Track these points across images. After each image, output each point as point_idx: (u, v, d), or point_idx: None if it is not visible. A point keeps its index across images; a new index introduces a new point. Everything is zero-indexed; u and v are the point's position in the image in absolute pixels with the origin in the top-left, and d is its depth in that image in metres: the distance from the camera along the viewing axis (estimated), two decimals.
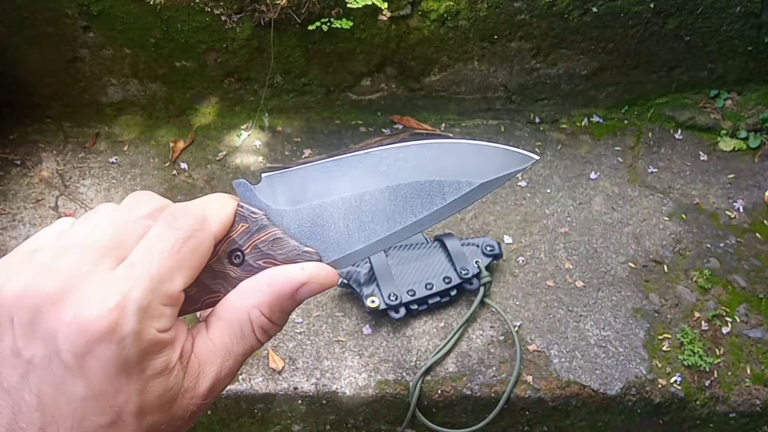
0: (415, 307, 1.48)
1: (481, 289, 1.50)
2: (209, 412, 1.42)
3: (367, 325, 1.49)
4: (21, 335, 0.31)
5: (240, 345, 0.36)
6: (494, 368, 1.43)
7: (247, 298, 0.36)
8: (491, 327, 1.50)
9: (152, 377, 0.32)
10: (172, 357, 0.33)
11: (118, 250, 0.33)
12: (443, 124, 1.99)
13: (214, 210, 0.37)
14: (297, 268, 0.37)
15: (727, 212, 1.77)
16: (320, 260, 0.39)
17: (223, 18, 1.77)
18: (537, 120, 2.01)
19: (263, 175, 0.41)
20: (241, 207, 0.39)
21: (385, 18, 1.78)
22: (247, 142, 1.93)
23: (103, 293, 0.31)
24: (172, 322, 0.33)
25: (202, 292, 0.38)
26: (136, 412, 0.32)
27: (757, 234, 1.71)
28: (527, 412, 1.44)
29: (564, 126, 2.01)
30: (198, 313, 0.39)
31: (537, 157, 0.41)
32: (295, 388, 1.39)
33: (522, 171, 0.41)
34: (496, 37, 1.86)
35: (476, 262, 1.52)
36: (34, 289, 0.31)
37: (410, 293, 1.47)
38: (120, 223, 0.34)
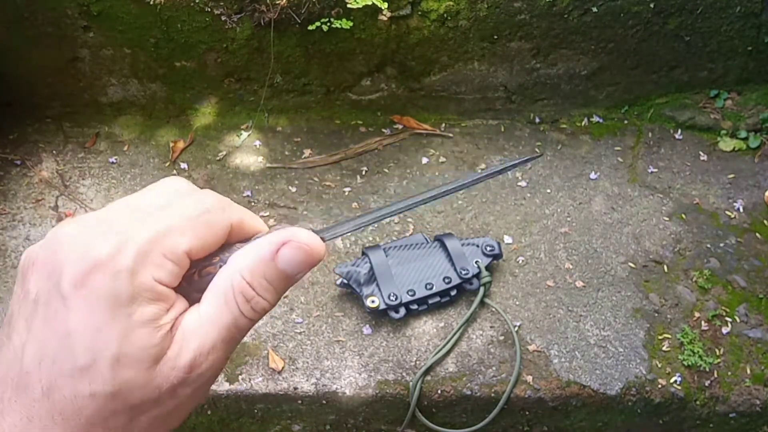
0: (415, 307, 1.48)
1: (481, 289, 1.50)
2: (209, 412, 1.42)
3: (367, 325, 1.49)
4: (33, 277, 0.34)
5: (224, 315, 0.35)
6: (494, 368, 1.43)
7: (232, 265, 0.36)
8: (491, 327, 1.50)
9: (138, 324, 0.32)
10: (163, 314, 0.33)
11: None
12: (443, 124, 1.99)
13: (245, 214, 0.38)
14: (277, 230, 0.37)
15: (727, 212, 1.77)
16: None
17: (223, 18, 1.77)
18: (537, 120, 2.01)
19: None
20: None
21: (385, 18, 1.78)
22: (247, 142, 1.93)
23: (108, 233, 0.32)
24: (171, 278, 0.34)
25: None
26: (113, 359, 0.31)
27: (757, 234, 1.71)
28: (527, 412, 1.44)
29: (564, 126, 2.01)
30: None
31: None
32: (295, 388, 1.39)
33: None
34: (496, 37, 1.86)
35: (476, 262, 1.52)
36: (56, 237, 0.34)
37: (410, 293, 1.47)
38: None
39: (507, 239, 1.68)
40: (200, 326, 0.34)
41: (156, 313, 0.33)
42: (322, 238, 0.39)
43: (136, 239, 0.32)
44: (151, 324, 0.32)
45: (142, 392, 0.32)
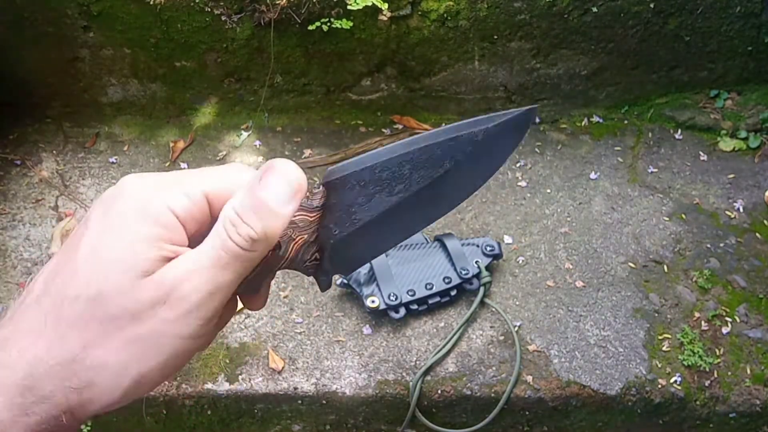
0: (415, 307, 1.48)
1: (481, 289, 1.50)
2: (209, 412, 1.42)
3: (367, 325, 1.49)
4: (92, 210, 0.37)
5: (214, 241, 0.36)
6: (494, 368, 1.43)
7: (228, 202, 0.38)
8: (491, 327, 1.50)
9: (138, 239, 0.35)
10: (165, 238, 0.36)
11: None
12: (443, 124, 1.99)
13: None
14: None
15: (727, 212, 1.77)
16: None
17: (223, 18, 1.77)
18: (537, 120, 2.01)
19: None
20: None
21: (385, 18, 1.78)
22: (247, 142, 1.93)
23: (146, 176, 0.37)
24: (183, 211, 0.36)
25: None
26: (106, 263, 0.34)
27: (757, 234, 1.71)
28: (527, 412, 1.44)
29: (564, 126, 2.01)
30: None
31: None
32: (295, 388, 1.39)
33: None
34: (496, 37, 1.86)
35: (476, 262, 1.52)
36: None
37: (410, 293, 1.47)
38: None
39: (507, 239, 1.68)
40: (191, 253, 0.36)
41: (158, 234, 0.35)
42: (330, 181, 0.40)
43: (162, 177, 0.37)
44: (150, 242, 0.35)
45: (122, 300, 0.34)
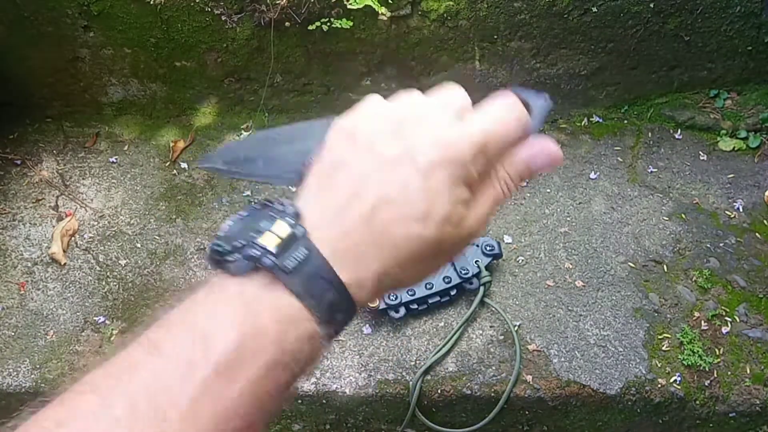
0: (414, 306, 1.48)
1: (481, 288, 1.51)
2: None
3: (367, 325, 1.49)
4: (383, 140, 0.42)
5: (493, 191, 0.44)
6: (494, 368, 1.43)
7: (505, 159, 0.46)
8: (491, 327, 1.50)
9: (461, 202, 0.42)
10: (469, 195, 0.43)
11: (454, 109, 0.46)
12: None
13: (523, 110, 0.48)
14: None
15: (727, 212, 1.77)
16: None
17: (223, 18, 1.77)
18: None
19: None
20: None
21: (385, 18, 1.78)
22: None
23: (456, 132, 0.42)
24: (485, 170, 0.43)
25: None
26: (443, 217, 0.40)
27: (757, 234, 1.71)
28: (527, 412, 1.44)
29: (564, 126, 2.01)
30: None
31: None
32: (295, 388, 1.39)
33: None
34: (496, 37, 1.86)
35: (476, 261, 1.52)
36: (404, 114, 0.45)
37: (410, 293, 1.47)
38: (451, 95, 0.49)
39: (507, 239, 1.68)
40: (478, 203, 0.43)
41: (469, 195, 0.42)
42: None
43: (475, 139, 0.42)
44: (466, 202, 0.42)
45: (449, 245, 0.41)
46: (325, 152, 0.43)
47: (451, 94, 0.48)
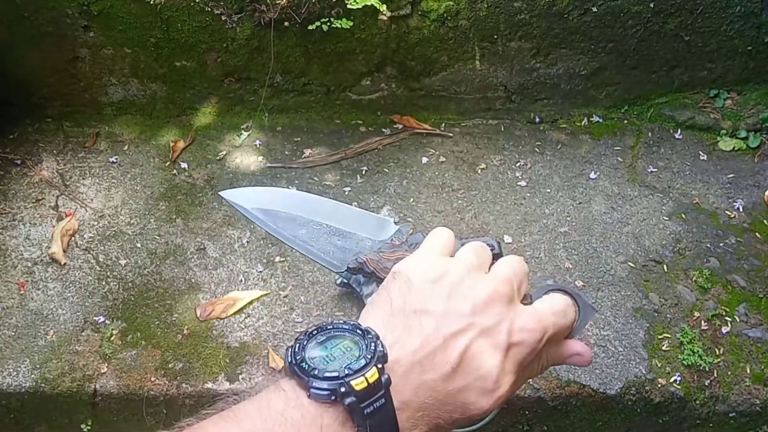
0: None
1: None
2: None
3: None
4: (474, 306, 0.45)
5: (531, 372, 0.50)
6: None
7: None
8: None
9: (521, 383, 0.48)
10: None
11: (522, 289, 0.50)
12: (443, 124, 2.00)
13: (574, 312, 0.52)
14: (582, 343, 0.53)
15: (727, 212, 1.77)
16: None
17: (223, 18, 1.77)
18: (537, 120, 2.01)
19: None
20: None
21: (385, 18, 1.78)
22: (247, 142, 1.93)
23: (535, 316, 0.47)
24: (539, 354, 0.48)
25: None
26: (504, 395, 0.44)
27: (757, 234, 1.71)
28: (527, 412, 1.44)
29: (564, 126, 2.01)
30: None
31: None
32: None
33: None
34: (496, 37, 1.86)
35: None
36: (495, 287, 0.47)
37: None
38: (518, 271, 0.50)
39: (507, 239, 1.68)
40: (518, 378, 0.47)
41: (535, 369, 0.49)
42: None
43: (548, 327, 0.47)
44: (529, 372, 0.48)
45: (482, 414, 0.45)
46: (412, 288, 0.46)
47: (520, 271, 0.50)
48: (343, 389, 0.39)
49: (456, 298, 0.45)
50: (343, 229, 0.49)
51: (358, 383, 0.39)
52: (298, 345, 0.42)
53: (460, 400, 0.42)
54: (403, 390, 0.41)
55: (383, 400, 0.40)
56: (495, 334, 0.44)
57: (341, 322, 0.44)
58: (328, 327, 0.43)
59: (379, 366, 0.40)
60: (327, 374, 0.40)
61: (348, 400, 0.39)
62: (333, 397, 0.39)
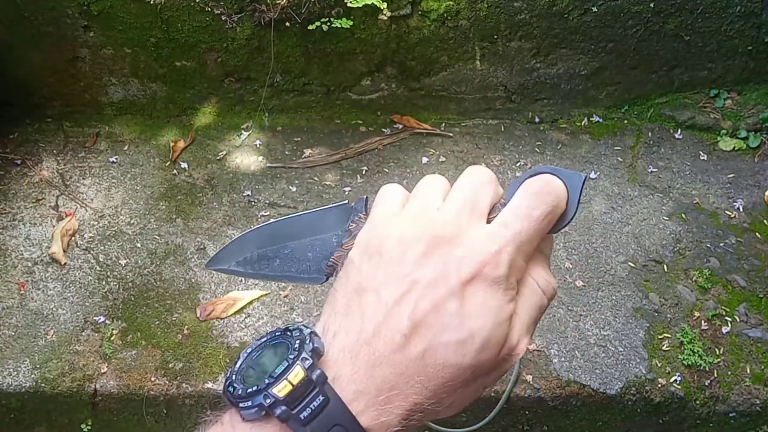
0: None
1: None
2: (209, 411, 1.42)
3: None
4: (412, 262, 0.39)
5: (532, 303, 0.42)
6: None
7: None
8: None
9: (504, 318, 0.39)
10: (514, 306, 0.40)
11: (478, 210, 0.41)
12: (443, 124, 2.00)
13: (563, 190, 0.43)
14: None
15: (727, 212, 1.77)
16: None
17: (223, 18, 1.77)
18: (537, 119, 2.01)
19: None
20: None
21: (385, 18, 1.78)
22: (248, 142, 1.93)
23: (486, 241, 0.39)
24: (521, 274, 0.41)
25: None
26: (482, 342, 0.38)
27: (757, 234, 1.71)
28: (527, 412, 1.44)
29: (564, 126, 2.01)
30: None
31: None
32: None
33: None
34: (496, 37, 1.86)
35: None
36: (431, 231, 0.40)
37: None
38: (473, 188, 0.42)
39: None
40: (520, 315, 0.41)
41: (511, 309, 0.40)
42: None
43: (507, 249, 0.39)
44: (508, 318, 0.40)
45: (487, 369, 0.39)
46: (351, 268, 0.41)
47: (476, 188, 0.43)
48: (268, 401, 0.36)
49: (392, 261, 0.39)
50: (309, 239, 0.45)
51: (281, 389, 0.36)
52: (230, 372, 0.39)
53: (429, 365, 0.37)
54: (356, 378, 0.37)
55: (321, 397, 0.36)
56: (442, 281, 0.38)
57: (275, 330, 0.41)
58: (259, 340, 0.41)
59: (307, 363, 0.37)
60: (249, 390, 0.37)
61: (278, 411, 0.36)
62: (263, 413, 0.36)
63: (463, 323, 0.37)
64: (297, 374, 0.37)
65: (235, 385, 0.38)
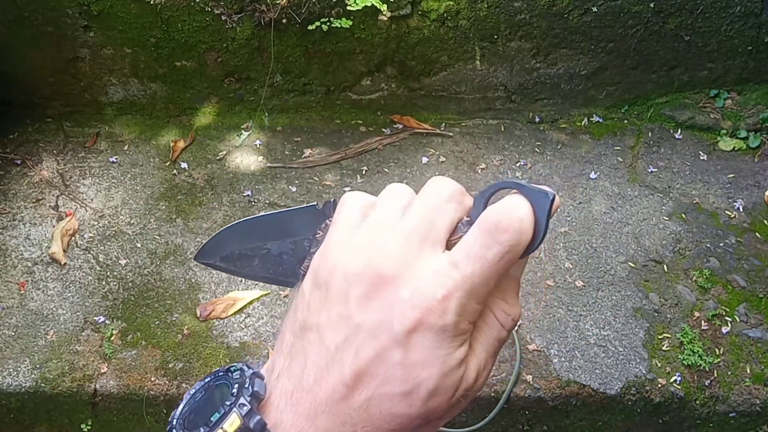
0: None
1: None
2: None
3: None
4: (356, 304, 0.36)
5: (489, 337, 0.39)
6: (494, 367, 1.43)
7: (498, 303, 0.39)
8: None
9: (453, 365, 0.36)
10: (465, 351, 0.37)
11: (432, 236, 0.37)
12: (443, 124, 2.00)
13: (527, 223, 0.37)
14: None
15: (727, 212, 1.77)
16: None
17: (223, 18, 1.77)
18: (537, 119, 2.01)
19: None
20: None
21: (385, 18, 1.78)
22: (248, 142, 1.93)
23: (433, 284, 0.35)
24: (476, 318, 0.37)
25: None
26: (430, 391, 0.35)
27: (757, 234, 1.71)
28: (527, 412, 1.44)
29: (564, 126, 2.01)
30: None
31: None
32: None
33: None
34: (496, 37, 1.86)
35: None
36: (374, 269, 0.36)
37: None
38: (429, 209, 0.38)
39: None
40: (479, 345, 0.38)
41: (464, 353, 0.37)
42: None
43: (456, 295, 0.35)
44: (461, 363, 0.36)
45: (440, 413, 0.37)
46: (301, 302, 0.39)
47: (433, 209, 0.38)
48: None
49: (337, 300, 0.36)
50: (285, 241, 0.43)
51: None
52: (172, 416, 0.38)
53: (374, 415, 0.35)
54: (296, 426, 0.35)
55: None
56: (385, 328, 0.35)
57: (218, 370, 0.39)
58: (203, 381, 0.39)
59: (245, 410, 0.35)
60: None
61: None
62: None
63: (408, 374, 0.35)
64: (233, 423, 0.35)
65: (175, 431, 0.37)
